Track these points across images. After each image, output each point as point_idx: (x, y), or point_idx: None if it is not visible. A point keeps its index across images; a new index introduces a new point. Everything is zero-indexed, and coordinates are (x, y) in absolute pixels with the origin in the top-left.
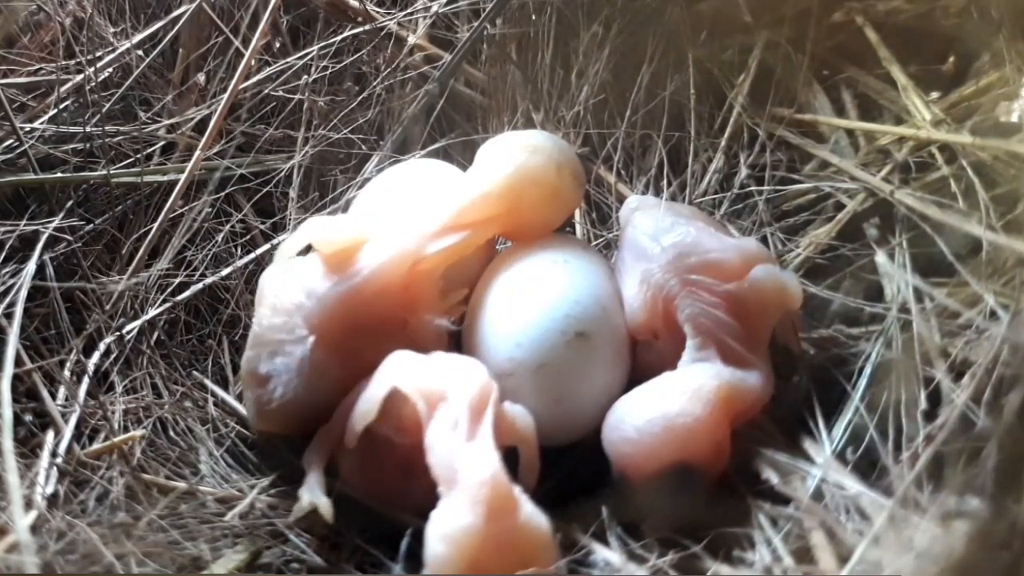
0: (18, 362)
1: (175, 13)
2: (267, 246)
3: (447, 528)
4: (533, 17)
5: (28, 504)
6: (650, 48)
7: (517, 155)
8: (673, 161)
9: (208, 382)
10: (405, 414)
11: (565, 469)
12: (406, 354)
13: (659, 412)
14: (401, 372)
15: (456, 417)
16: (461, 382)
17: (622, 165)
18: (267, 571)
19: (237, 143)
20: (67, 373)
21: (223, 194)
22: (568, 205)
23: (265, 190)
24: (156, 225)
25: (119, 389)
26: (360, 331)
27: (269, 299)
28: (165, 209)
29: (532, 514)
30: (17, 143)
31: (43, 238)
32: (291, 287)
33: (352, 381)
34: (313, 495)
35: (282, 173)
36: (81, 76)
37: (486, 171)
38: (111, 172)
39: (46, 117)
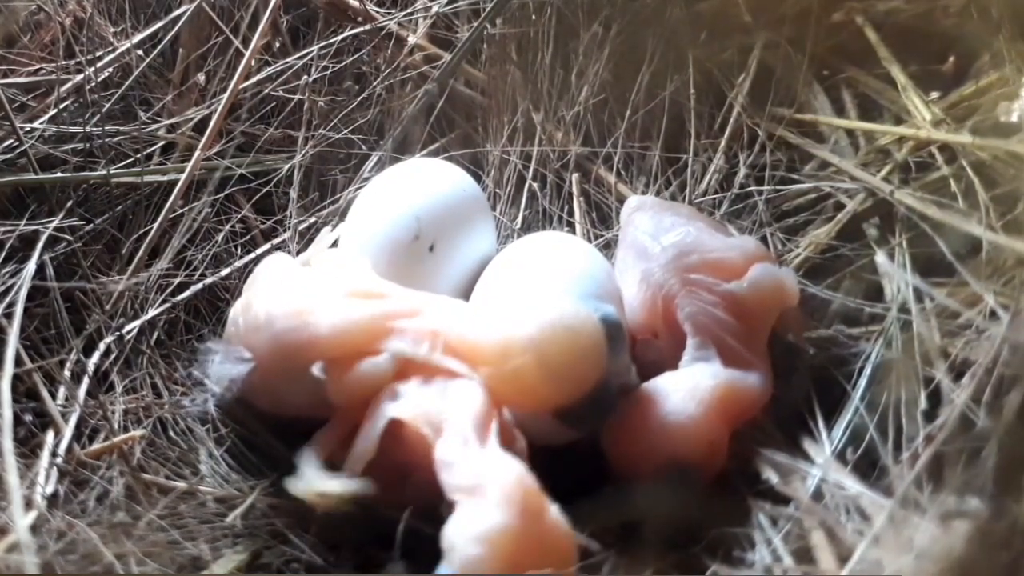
0: (18, 362)
1: (175, 13)
2: (267, 246)
3: (480, 529)
4: (533, 17)
5: (28, 504)
6: (650, 48)
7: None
8: (673, 161)
9: (208, 382)
10: (404, 435)
11: (564, 469)
12: (402, 385)
13: (655, 411)
14: (398, 402)
15: (464, 434)
16: (461, 402)
17: (622, 165)
18: (267, 571)
19: (237, 143)
20: (67, 373)
21: (223, 194)
22: (531, 392)
23: (265, 190)
24: (156, 225)
25: (119, 389)
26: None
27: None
28: (165, 209)
29: (557, 515)
30: (17, 143)
31: (43, 238)
32: (262, 302)
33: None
34: (319, 483)
35: (282, 173)
36: (81, 76)
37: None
38: (111, 172)
39: (46, 117)
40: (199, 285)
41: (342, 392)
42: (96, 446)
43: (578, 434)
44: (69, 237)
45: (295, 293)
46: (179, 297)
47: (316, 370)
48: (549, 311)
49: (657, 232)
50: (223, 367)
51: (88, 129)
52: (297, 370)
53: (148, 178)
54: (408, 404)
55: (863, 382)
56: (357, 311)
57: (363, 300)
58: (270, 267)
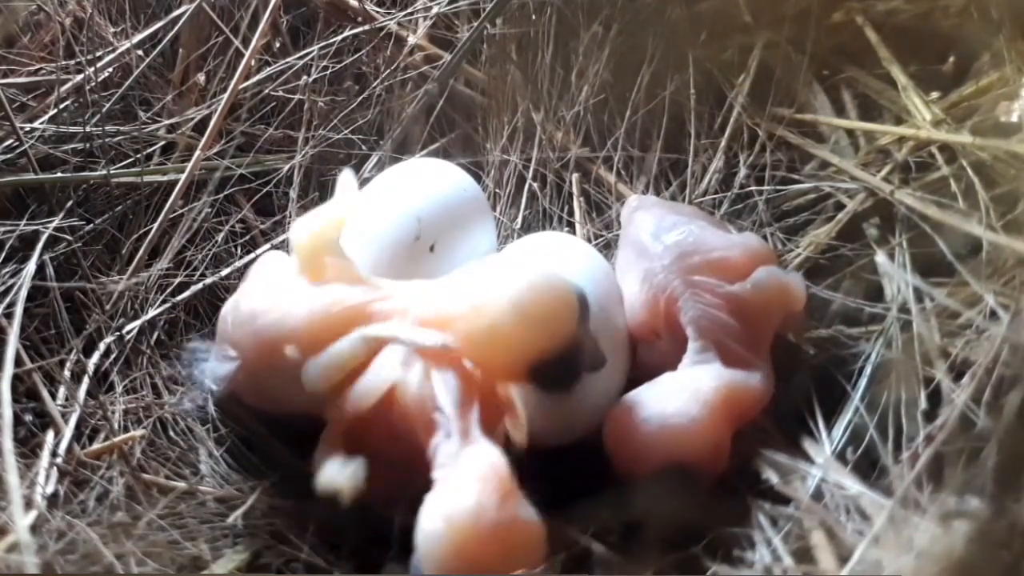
0: (18, 362)
1: (175, 13)
2: (267, 246)
3: (445, 506)
4: (533, 17)
5: (28, 504)
6: (650, 48)
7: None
8: (673, 161)
9: (208, 382)
10: (393, 419)
11: (565, 469)
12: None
13: (657, 412)
14: (398, 378)
15: (447, 428)
16: (442, 386)
17: (622, 165)
18: (267, 571)
19: (237, 143)
20: (67, 373)
21: (223, 194)
22: (507, 344)
23: (265, 190)
24: (156, 225)
25: (119, 389)
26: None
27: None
28: (165, 209)
29: (528, 510)
30: (17, 143)
31: (43, 238)
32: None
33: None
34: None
35: (282, 173)
36: (81, 76)
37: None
38: (111, 172)
39: (46, 117)
40: (199, 285)
41: (314, 376)
42: (96, 446)
43: (552, 399)
44: (69, 237)
45: (275, 287)
46: (179, 297)
47: (289, 351)
48: (521, 271)
49: (658, 231)
50: (211, 366)
51: (88, 129)
52: (280, 364)
53: (148, 178)
54: (407, 389)
55: (863, 382)
56: (332, 301)
57: (338, 289)
58: (265, 265)
